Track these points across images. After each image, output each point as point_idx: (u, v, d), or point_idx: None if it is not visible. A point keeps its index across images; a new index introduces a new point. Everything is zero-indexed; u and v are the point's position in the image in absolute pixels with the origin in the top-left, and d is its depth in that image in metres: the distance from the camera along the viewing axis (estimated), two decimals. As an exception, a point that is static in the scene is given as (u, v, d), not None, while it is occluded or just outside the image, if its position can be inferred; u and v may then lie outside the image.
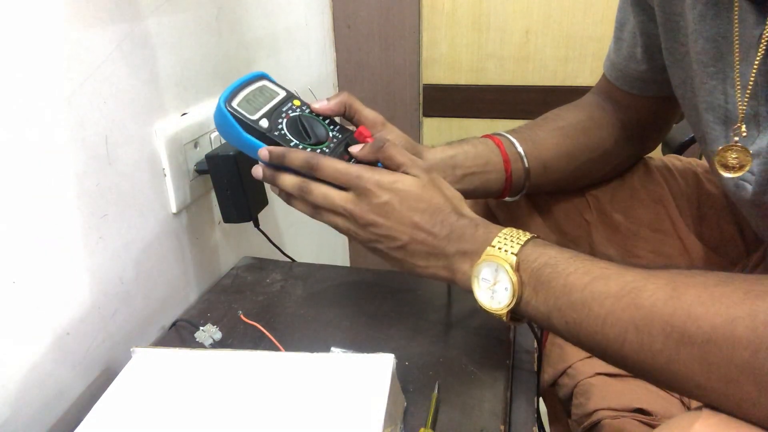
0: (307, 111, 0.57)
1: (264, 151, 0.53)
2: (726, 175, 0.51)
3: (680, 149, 0.92)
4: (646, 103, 0.69)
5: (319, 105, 0.57)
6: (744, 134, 0.49)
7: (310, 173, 0.52)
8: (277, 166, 0.54)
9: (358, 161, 0.54)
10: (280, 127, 0.55)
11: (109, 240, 0.59)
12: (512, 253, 0.45)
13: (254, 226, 0.77)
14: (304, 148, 0.54)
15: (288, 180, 0.53)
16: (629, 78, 0.67)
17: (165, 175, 0.67)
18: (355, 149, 0.54)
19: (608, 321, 0.39)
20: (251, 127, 0.54)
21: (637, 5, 0.62)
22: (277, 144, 0.54)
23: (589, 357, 0.67)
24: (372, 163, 0.53)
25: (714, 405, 0.35)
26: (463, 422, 0.51)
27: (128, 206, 0.62)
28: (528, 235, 0.46)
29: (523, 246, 0.45)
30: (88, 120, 0.55)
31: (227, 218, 0.73)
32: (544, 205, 0.74)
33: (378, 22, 1.31)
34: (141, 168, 0.64)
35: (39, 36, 0.49)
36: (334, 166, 0.51)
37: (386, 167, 0.52)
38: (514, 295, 0.44)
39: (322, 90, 1.28)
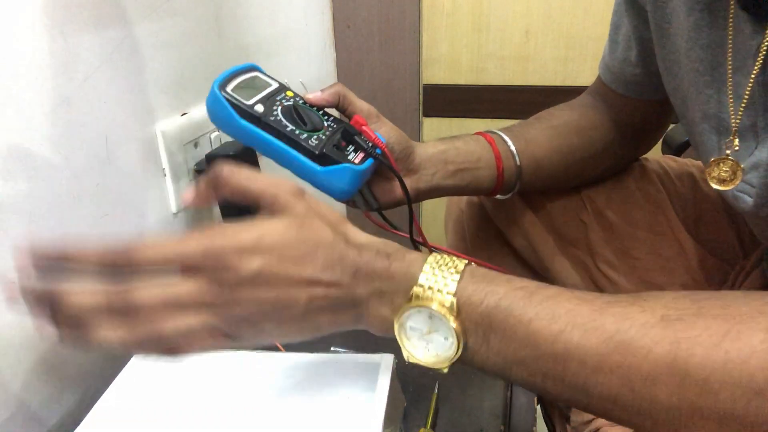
0: (301, 102, 0.56)
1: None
2: (717, 187, 0.50)
3: (680, 150, 0.92)
4: (641, 106, 0.68)
5: (313, 96, 0.55)
6: (736, 148, 0.48)
7: (122, 268, 0.35)
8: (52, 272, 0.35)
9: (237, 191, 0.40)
10: (275, 113, 0.53)
11: (109, 240, 0.59)
12: (448, 292, 0.35)
13: (254, 226, 0.77)
14: (301, 134, 0.52)
15: (83, 296, 0.34)
16: (624, 81, 0.67)
17: (165, 175, 0.67)
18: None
19: (592, 380, 0.33)
20: (246, 112, 0.51)
21: (632, 8, 0.61)
22: (272, 129, 0.51)
23: None
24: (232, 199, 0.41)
25: None
26: (463, 422, 0.51)
27: (128, 206, 0.62)
28: (461, 264, 0.37)
29: (459, 282, 0.35)
30: (88, 120, 0.55)
31: (227, 218, 0.73)
32: (541, 207, 0.74)
33: (378, 22, 1.31)
34: (141, 168, 0.64)
35: (39, 36, 0.49)
36: (159, 248, 0.35)
37: (244, 201, 0.40)
38: (458, 347, 0.35)
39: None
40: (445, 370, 0.37)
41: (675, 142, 0.93)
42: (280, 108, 0.53)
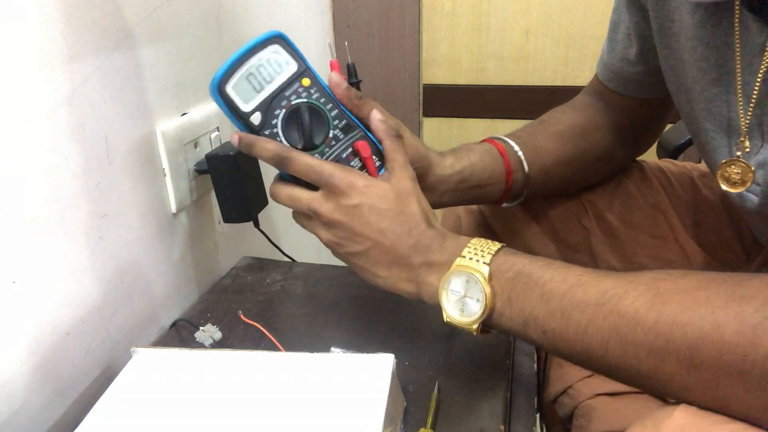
0: (315, 96, 0.50)
1: (235, 136, 0.50)
2: (728, 190, 0.50)
3: (676, 152, 0.92)
4: (640, 105, 0.68)
5: (338, 89, 0.51)
6: (747, 149, 0.48)
7: (280, 167, 0.49)
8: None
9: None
10: (274, 122, 0.49)
11: (109, 240, 0.59)
12: (484, 263, 0.43)
13: (254, 226, 0.77)
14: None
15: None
16: (622, 80, 0.67)
17: (165, 175, 0.67)
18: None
19: (590, 330, 0.38)
20: (243, 119, 0.49)
21: (632, 5, 0.61)
22: None
23: (590, 376, 0.66)
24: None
25: (699, 404, 0.35)
26: (463, 422, 0.51)
27: (128, 206, 0.62)
28: (498, 245, 0.45)
29: (494, 255, 0.44)
30: (88, 120, 0.55)
31: (227, 218, 0.73)
32: (542, 213, 0.73)
33: (378, 22, 1.31)
34: (141, 168, 0.64)
35: (39, 36, 0.49)
36: (306, 161, 0.48)
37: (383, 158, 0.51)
38: (486, 307, 0.43)
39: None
40: (475, 332, 0.44)
41: (671, 144, 0.93)
42: (282, 114, 0.49)
